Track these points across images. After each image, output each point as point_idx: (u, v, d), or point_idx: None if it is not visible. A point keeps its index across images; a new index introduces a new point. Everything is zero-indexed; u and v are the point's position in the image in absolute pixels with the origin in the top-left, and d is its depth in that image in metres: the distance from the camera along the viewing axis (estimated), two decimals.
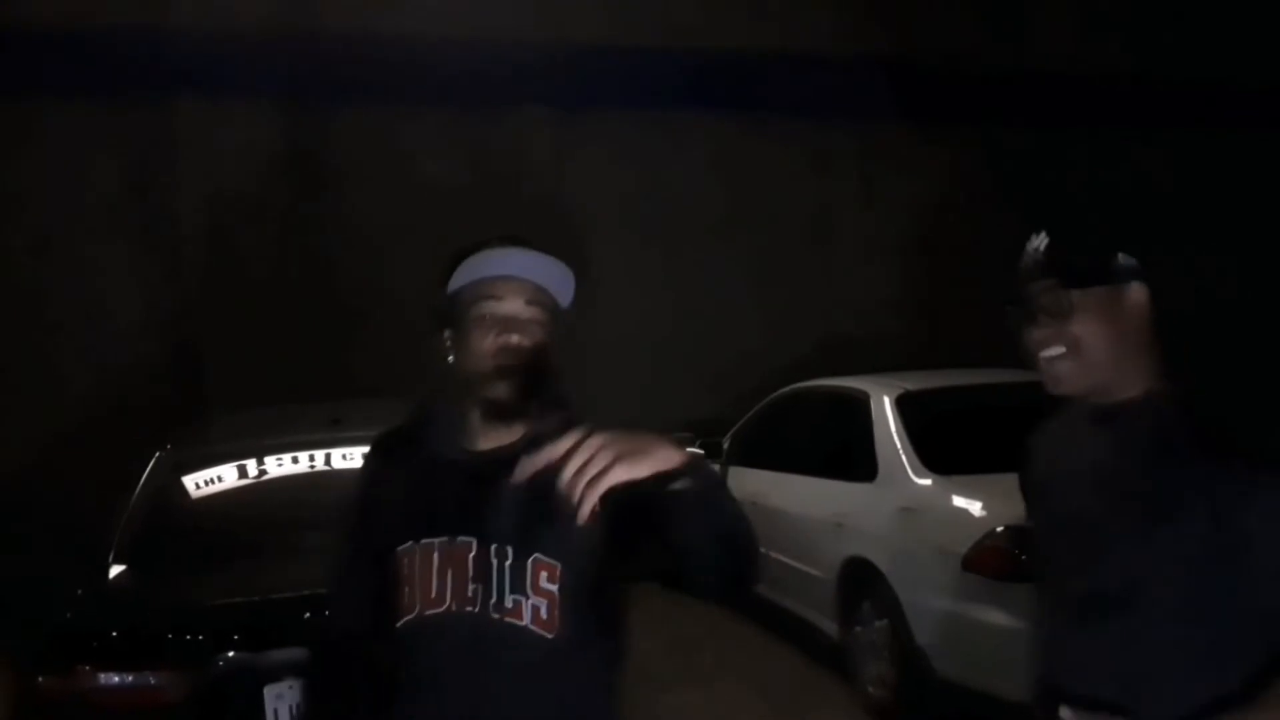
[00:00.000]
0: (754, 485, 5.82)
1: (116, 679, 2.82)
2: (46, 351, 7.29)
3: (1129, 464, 1.45)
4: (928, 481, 4.37)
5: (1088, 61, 8.83)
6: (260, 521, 3.50)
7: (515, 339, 1.55)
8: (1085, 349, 1.46)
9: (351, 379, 6.48)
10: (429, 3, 7.59)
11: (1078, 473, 1.53)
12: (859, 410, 4.96)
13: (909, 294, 8.50)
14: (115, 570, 3.31)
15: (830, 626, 4.92)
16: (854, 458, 4.85)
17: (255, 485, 3.62)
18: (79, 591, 3.29)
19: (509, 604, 1.51)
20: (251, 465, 3.65)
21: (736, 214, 8.40)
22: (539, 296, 1.60)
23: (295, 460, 3.67)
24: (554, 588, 1.52)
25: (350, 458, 3.55)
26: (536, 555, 1.52)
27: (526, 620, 1.51)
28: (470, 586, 1.52)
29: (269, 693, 2.85)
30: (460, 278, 1.61)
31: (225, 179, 7.56)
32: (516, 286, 1.58)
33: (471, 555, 1.53)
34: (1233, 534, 1.34)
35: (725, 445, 6.36)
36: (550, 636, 1.51)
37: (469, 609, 1.52)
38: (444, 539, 1.55)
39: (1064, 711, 1.44)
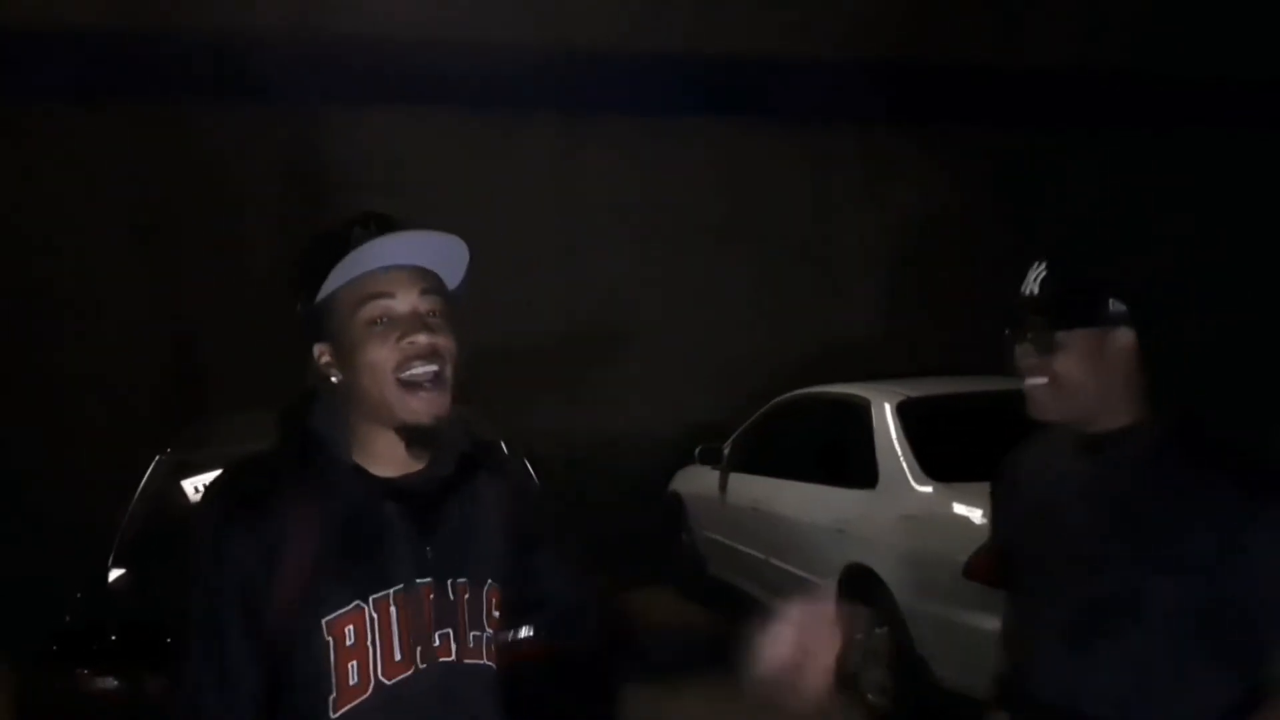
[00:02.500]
0: (755, 491, 5.82)
1: (115, 681, 2.82)
2: (47, 353, 7.29)
3: (1121, 487, 1.51)
4: (928, 489, 4.37)
5: (1088, 63, 8.83)
6: None
7: (425, 339, 1.27)
8: (1065, 384, 1.53)
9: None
10: (432, 7, 7.60)
11: (1065, 496, 1.57)
12: (860, 417, 4.96)
13: (910, 298, 8.50)
14: (115, 573, 3.31)
15: None
16: (854, 464, 4.85)
17: None
18: (78, 594, 3.29)
19: (471, 643, 1.31)
20: None
21: (737, 218, 8.40)
22: (432, 284, 1.33)
23: None
24: (498, 614, 1.35)
25: None
26: (490, 582, 1.34)
27: (484, 657, 1.32)
28: (437, 635, 1.28)
29: None
30: (336, 278, 1.31)
31: (227, 181, 7.56)
32: (407, 276, 1.30)
33: (432, 597, 1.28)
34: (1232, 552, 1.37)
35: (726, 451, 6.35)
36: (494, 666, 1.34)
37: (443, 659, 1.28)
38: (398, 587, 1.26)
39: None
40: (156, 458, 3.79)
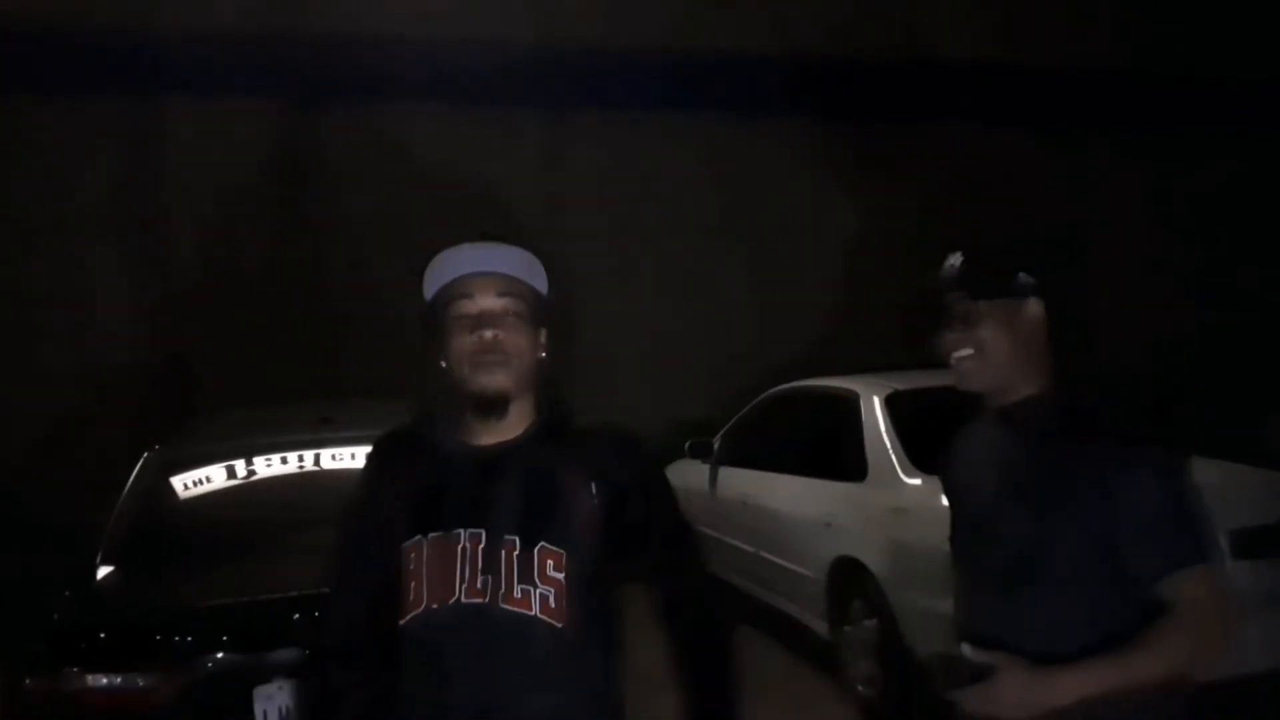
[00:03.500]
0: (744, 485, 5.83)
1: (105, 680, 2.81)
2: (35, 351, 7.26)
3: (1021, 453, 1.71)
4: (917, 481, 4.38)
5: (1081, 62, 8.87)
6: (249, 522, 3.49)
7: (490, 334, 1.57)
8: (988, 351, 1.71)
9: (341, 379, 6.46)
10: (420, 3, 7.58)
11: (983, 464, 1.79)
12: (849, 410, 4.97)
13: (900, 293, 8.50)
14: (103, 571, 3.30)
15: (820, 626, 4.93)
16: (844, 457, 4.86)
17: (244, 486, 3.61)
18: (67, 593, 3.27)
19: (518, 594, 1.53)
20: (240, 466, 3.64)
21: (728, 214, 8.41)
22: (513, 287, 1.61)
23: (284, 460, 3.67)
24: (560, 576, 1.54)
25: (340, 458, 3.55)
26: (543, 544, 1.55)
27: (535, 610, 1.53)
28: (480, 578, 1.54)
29: (258, 694, 2.84)
30: (432, 283, 1.63)
31: (214, 178, 7.53)
32: (485, 281, 1.60)
33: (481, 547, 1.55)
34: (1105, 501, 1.59)
35: (716, 445, 6.36)
36: (560, 625, 1.54)
37: (478, 600, 1.53)
38: (451, 532, 1.56)
39: (964, 647, 1.68)
40: (145, 455, 3.78)
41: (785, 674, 5.12)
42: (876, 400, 4.86)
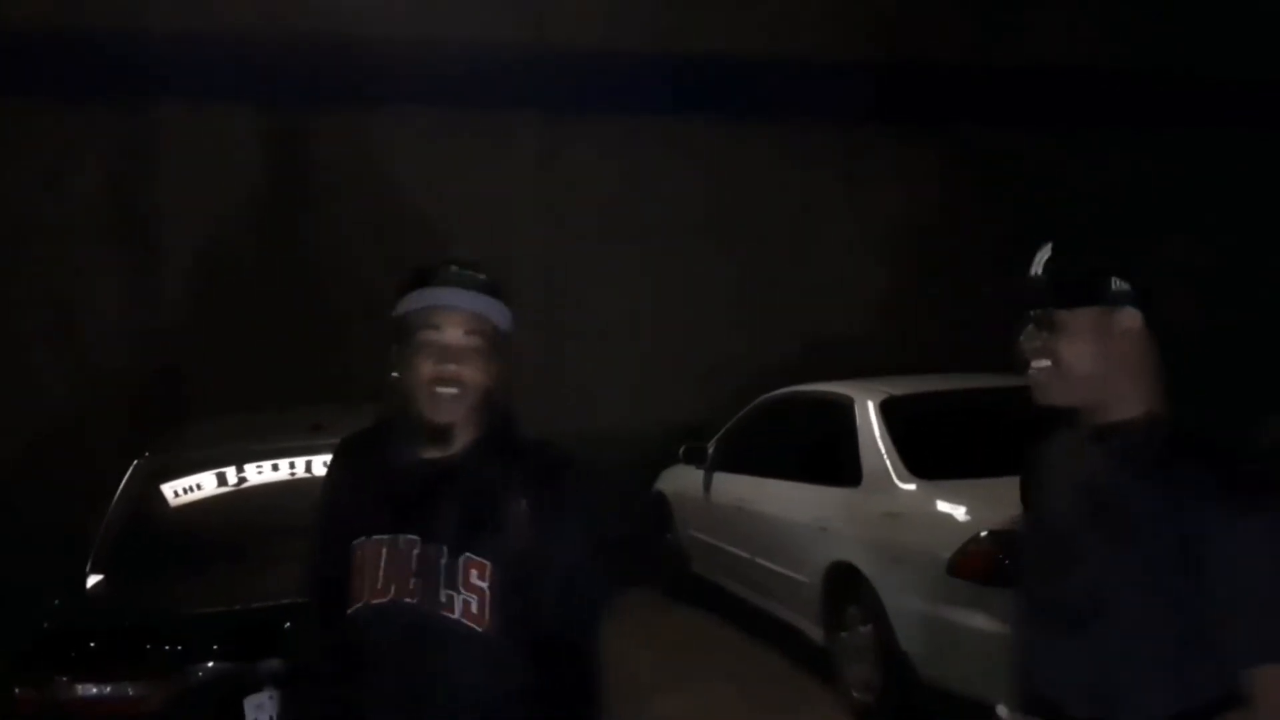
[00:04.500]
0: (739, 490, 5.82)
1: (94, 689, 2.79)
2: (27, 355, 7.23)
3: (1112, 481, 1.51)
4: (912, 486, 4.38)
5: (1076, 61, 8.88)
6: (240, 529, 3.47)
7: (452, 368, 1.71)
8: (1068, 366, 1.53)
9: (335, 384, 6.44)
10: (413, 6, 7.57)
11: (1067, 486, 1.58)
12: (843, 415, 4.97)
13: (893, 296, 8.52)
14: (93, 579, 3.28)
15: (815, 631, 4.92)
16: (838, 463, 4.85)
17: (235, 492, 3.59)
18: (56, 600, 3.25)
19: (443, 598, 1.67)
20: (231, 472, 3.62)
21: (721, 217, 8.40)
22: (477, 325, 1.75)
23: (275, 467, 3.65)
24: (484, 584, 1.68)
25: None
26: (468, 554, 1.69)
27: (458, 614, 1.67)
28: (413, 580, 1.69)
29: (249, 703, 2.82)
30: (408, 303, 1.75)
31: (208, 183, 7.51)
32: (456, 317, 1.73)
33: (415, 551, 1.70)
34: (1192, 556, 1.40)
35: (710, 450, 6.35)
36: (480, 630, 1.67)
37: (409, 600, 1.68)
38: (391, 536, 1.72)
39: (1000, 710, 1.55)
40: (135, 462, 3.76)
41: (780, 680, 5.11)
42: (871, 405, 4.86)
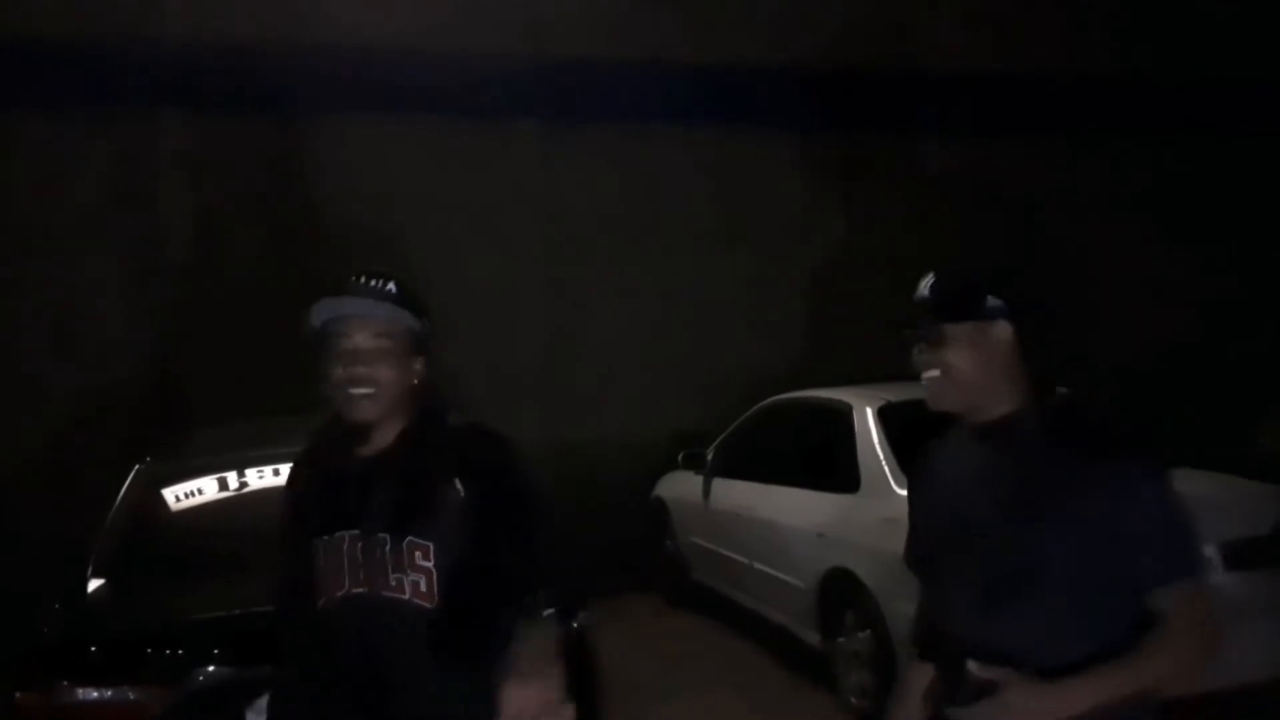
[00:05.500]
0: (737, 496, 5.83)
1: (95, 694, 2.80)
2: (27, 364, 7.23)
3: (1008, 468, 1.71)
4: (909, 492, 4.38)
5: (1072, 70, 8.90)
6: (241, 534, 3.47)
7: (361, 370, 1.83)
8: (955, 373, 1.74)
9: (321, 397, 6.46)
10: (416, 15, 7.59)
11: (965, 479, 1.78)
12: (841, 421, 4.98)
13: (891, 304, 8.51)
14: (94, 584, 3.28)
15: (813, 637, 4.93)
16: (836, 469, 4.87)
17: (236, 498, 3.60)
18: (57, 606, 3.26)
19: (393, 581, 1.81)
20: (232, 478, 3.63)
21: (722, 225, 8.42)
22: (385, 328, 1.87)
23: (276, 473, 3.65)
24: (429, 564, 1.80)
25: None
26: (410, 538, 1.81)
27: (408, 594, 1.80)
28: (361, 571, 1.83)
29: (250, 709, 2.82)
30: (318, 315, 1.89)
31: (208, 190, 7.52)
32: (360, 323, 1.87)
33: (359, 545, 1.83)
34: (1100, 511, 1.60)
35: (710, 456, 6.36)
36: (429, 607, 1.79)
37: (361, 590, 1.82)
38: (335, 534, 1.86)
39: (970, 664, 1.63)
40: (136, 467, 3.77)
41: (779, 685, 5.12)
42: (869, 412, 4.88)
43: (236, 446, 3.93)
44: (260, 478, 3.65)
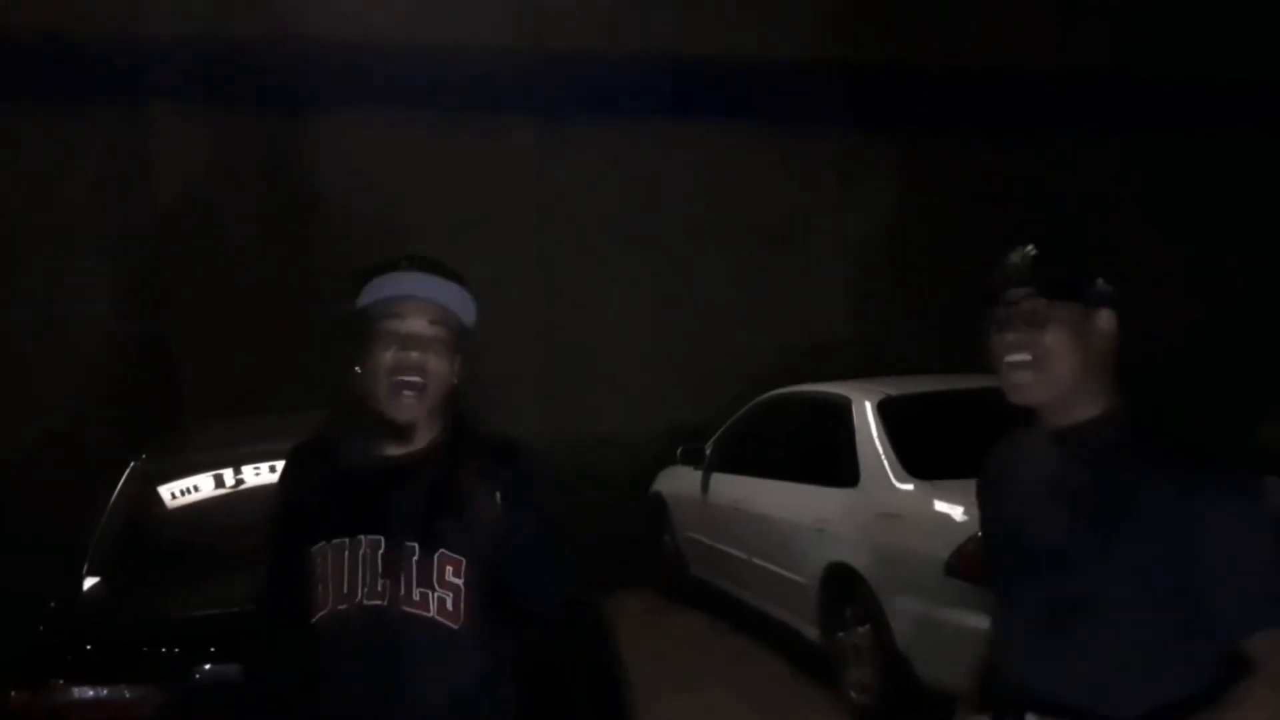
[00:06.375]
0: (736, 491, 5.82)
1: (90, 693, 2.77)
2: (19, 359, 7.20)
3: (1085, 479, 1.52)
4: (909, 487, 4.38)
5: (1066, 68, 8.89)
6: (237, 532, 3.44)
7: (415, 356, 1.65)
8: (1052, 360, 1.51)
9: (331, 387, 6.43)
10: (409, 9, 7.56)
11: (1035, 487, 1.58)
12: (841, 416, 4.97)
13: (890, 298, 8.53)
14: (89, 582, 3.26)
15: (812, 632, 4.92)
16: (836, 463, 4.86)
17: (232, 495, 3.58)
18: (52, 604, 3.24)
19: (416, 596, 1.64)
20: (228, 475, 3.61)
21: (718, 220, 8.41)
22: (441, 317, 1.69)
23: (272, 469, 3.62)
24: (459, 581, 1.65)
25: None
26: (442, 550, 1.65)
27: (432, 611, 1.64)
28: (380, 581, 1.64)
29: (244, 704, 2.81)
30: (369, 294, 1.69)
31: (201, 186, 7.49)
32: (419, 306, 1.68)
33: (380, 552, 1.65)
34: (1181, 541, 1.42)
35: (708, 451, 6.35)
36: (455, 627, 1.64)
37: (377, 603, 1.64)
38: (353, 538, 1.67)
39: (1030, 717, 1.50)
40: (131, 464, 3.75)
41: (778, 681, 5.12)
42: (869, 406, 4.87)
43: (232, 443, 3.91)
44: (256, 474, 3.62)
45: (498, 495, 1.67)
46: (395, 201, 7.66)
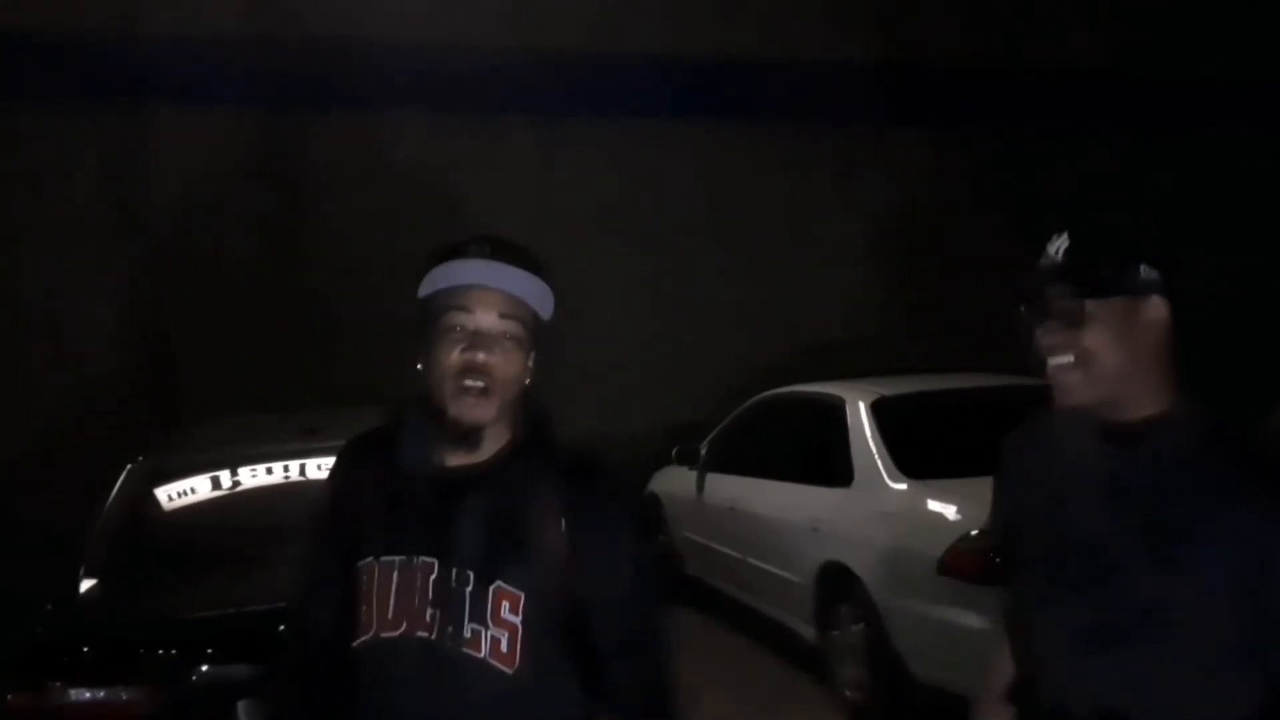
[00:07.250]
0: (731, 490, 5.83)
1: (88, 694, 2.79)
2: (19, 359, 7.21)
3: (1152, 486, 1.38)
4: (903, 486, 4.40)
5: (1066, 64, 8.91)
6: (234, 533, 3.47)
7: (482, 357, 1.44)
8: (1095, 361, 1.39)
9: (330, 387, 6.44)
10: (409, 9, 7.57)
11: (1087, 491, 1.44)
12: (835, 415, 4.99)
13: (888, 297, 8.55)
14: (87, 583, 3.27)
15: (807, 631, 4.94)
16: (830, 463, 4.87)
17: (229, 496, 3.59)
18: (49, 605, 3.25)
19: (467, 633, 1.43)
20: (225, 476, 3.62)
21: (717, 218, 8.42)
22: (514, 310, 1.48)
23: (270, 471, 3.64)
24: (516, 619, 1.43)
25: (325, 469, 3.52)
26: (499, 583, 1.44)
27: (484, 653, 1.42)
28: (429, 611, 1.43)
29: (243, 707, 2.82)
30: (432, 283, 1.48)
31: (202, 185, 7.50)
32: (489, 297, 1.46)
33: (432, 578, 1.44)
34: (1255, 560, 1.31)
35: (703, 451, 6.37)
36: (509, 672, 1.43)
37: (424, 634, 1.43)
38: (403, 558, 1.46)
39: None
40: (129, 466, 3.75)
41: (773, 679, 5.13)
42: (863, 405, 4.88)
43: (230, 444, 3.92)
44: (254, 476, 3.63)
45: (564, 523, 1.46)
46: (394, 201, 7.67)
